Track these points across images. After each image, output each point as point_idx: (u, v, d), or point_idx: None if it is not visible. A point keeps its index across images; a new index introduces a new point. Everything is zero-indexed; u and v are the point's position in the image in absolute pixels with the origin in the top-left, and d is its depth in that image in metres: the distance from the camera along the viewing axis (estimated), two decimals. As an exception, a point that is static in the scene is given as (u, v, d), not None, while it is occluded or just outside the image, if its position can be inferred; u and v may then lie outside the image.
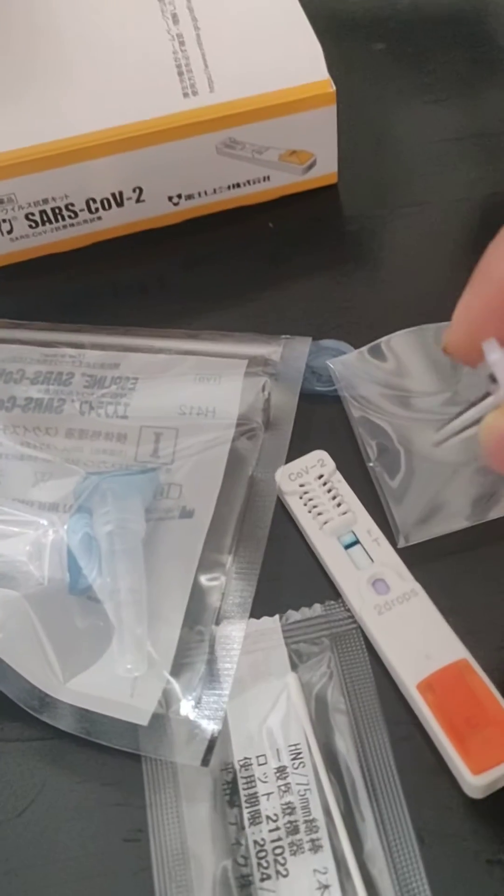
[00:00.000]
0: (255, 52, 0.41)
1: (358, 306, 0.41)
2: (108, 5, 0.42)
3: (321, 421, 0.37)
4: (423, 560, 0.33)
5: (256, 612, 0.33)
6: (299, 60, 0.41)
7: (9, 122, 0.40)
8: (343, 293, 0.42)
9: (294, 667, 0.31)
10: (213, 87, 0.40)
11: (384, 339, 0.38)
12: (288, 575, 0.34)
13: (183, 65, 0.41)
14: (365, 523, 0.34)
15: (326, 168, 0.44)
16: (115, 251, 0.44)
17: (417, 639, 0.31)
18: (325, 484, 0.35)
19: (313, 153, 0.43)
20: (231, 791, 0.29)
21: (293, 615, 0.32)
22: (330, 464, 0.35)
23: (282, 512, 0.35)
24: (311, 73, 0.41)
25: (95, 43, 0.41)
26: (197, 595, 0.33)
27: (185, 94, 0.40)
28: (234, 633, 0.31)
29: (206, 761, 0.29)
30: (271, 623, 0.32)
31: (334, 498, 0.34)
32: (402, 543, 0.33)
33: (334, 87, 0.41)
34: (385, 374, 0.37)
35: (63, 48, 0.41)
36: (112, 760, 0.30)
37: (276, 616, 0.32)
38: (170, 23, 0.41)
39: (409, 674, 0.30)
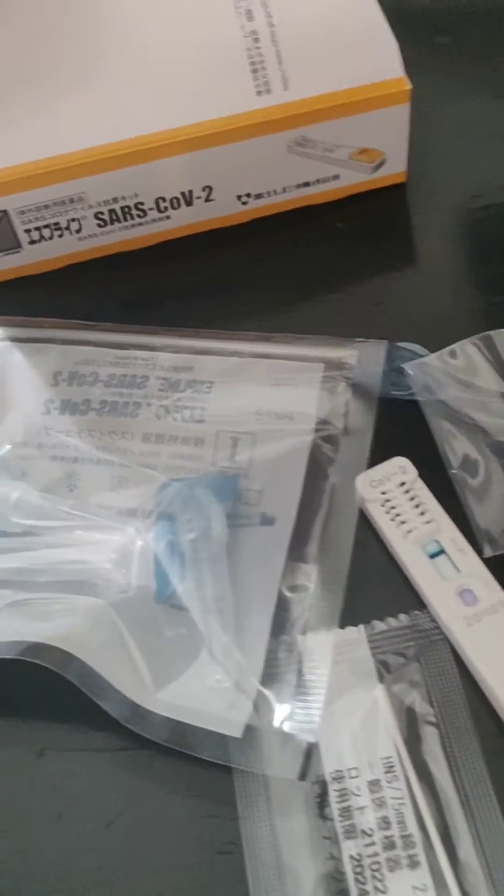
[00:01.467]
0: (330, 49, 0.40)
1: (428, 308, 0.41)
2: (181, 3, 0.41)
3: (397, 426, 0.37)
4: (510, 570, 0.33)
5: (340, 622, 0.32)
6: (375, 58, 0.40)
7: (80, 122, 0.39)
8: (412, 295, 0.41)
9: (381, 678, 0.31)
10: (287, 85, 0.40)
11: (460, 342, 0.38)
12: (370, 584, 0.34)
13: (257, 62, 0.40)
14: (449, 532, 0.33)
15: (396, 167, 0.44)
16: (181, 250, 0.43)
17: (509, 651, 0.30)
18: (407, 492, 0.34)
19: (384, 152, 0.43)
20: (323, 804, 0.29)
21: (378, 625, 0.32)
22: (412, 471, 0.35)
23: (362, 520, 0.35)
24: (387, 70, 0.40)
25: (168, 41, 0.40)
26: (282, 605, 0.32)
27: (259, 92, 0.40)
28: (323, 644, 0.31)
29: (302, 775, 0.29)
30: (356, 633, 0.32)
31: (417, 506, 0.34)
32: (487, 553, 0.33)
33: (410, 86, 0.40)
34: (463, 378, 0.37)
35: (136, 46, 0.40)
36: (200, 771, 0.30)
37: (361, 626, 0.32)
38: (244, 20, 0.40)
39: (502, 686, 0.30)
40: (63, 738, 0.32)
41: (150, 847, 0.30)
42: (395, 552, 0.33)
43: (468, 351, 0.38)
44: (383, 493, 0.34)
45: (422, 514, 0.34)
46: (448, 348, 0.38)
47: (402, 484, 0.34)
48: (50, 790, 0.31)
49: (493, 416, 0.36)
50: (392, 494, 0.34)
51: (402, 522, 0.34)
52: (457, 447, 0.35)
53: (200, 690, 0.30)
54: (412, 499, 0.34)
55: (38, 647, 0.30)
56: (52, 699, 0.32)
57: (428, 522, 0.33)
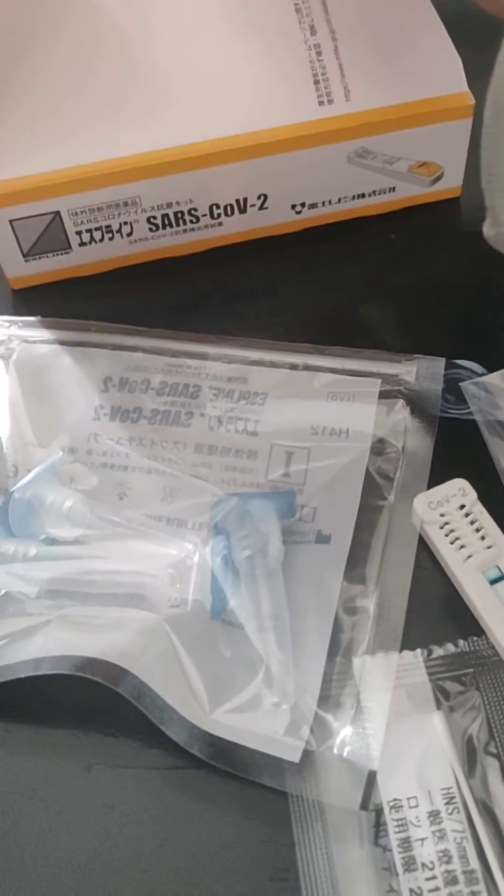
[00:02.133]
0: (392, 61, 0.40)
1: (483, 325, 0.40)
2: (246, 18, 0.40)
3: (456, 447, 0.36)
4: None
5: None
6: (437, 71, 0.40)
7: (138, 127, 0.39)
8: (467, 311, 0.41)
9: (438, 705, 0.30)
10: (349, 97, 0.39)
11: (520, 362, 0.37)
12: (427, 608, 0.33)
13: (319, 74, 0.39)
14: None
15: (452, 181, 0.43)
16: (232, 257, 0.43)
17: None
18: (467, 515, 0.34)
19: (442, 166, 0.42)
20: (378, 833, 0.28)
21: (436, 650, 0.32)
22: (471, 493, 0.34)
23: (420, 542, 0.34)
24: (451, 84, 0.40)
25: (231, 51, 0.40)
26: (339, 626, 0.32)
27: (321, 103, 0.39)
28: (383, 669, 0.31)
29: (364, 804, 0.28)
30: (412, 657, 0.31)
31: (478, 530, 0.33)
32: (550, 581, 0.33)
33: (473, 101, 0.40)
34: (523, 399, 0.36)
35: (200, 55, 0.40)
36: (254, 794, 0.30)
37: (418, 650, 0.32)
38: (307, 34, 0.40)
39: None
40: (113, 754, 0.31)
41: (202, 870, 0.29)
42: (453, 576, 0.33)
43: (527, 371, 0.37)
44: (442, 515, 0.34)
45: (482, 538, 0.33)
46: (509, 367, 0.37)
47: (462, 507, 0.34)
48: (100, 807, 0.30)
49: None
50: (451, 517, 0.34)
51: (462, 546, 0.33)
52: (516, 470, 0.35)
53: (257, 712, 0.30)
54: (472, 522, 0.33)
55: (92, 662, 0.30)
56: (102, 714, 0.31)
57: (489, 547, 0.33)
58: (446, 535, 0.33)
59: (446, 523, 0.34)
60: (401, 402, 0.36)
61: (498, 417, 0.36)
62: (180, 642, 0.31)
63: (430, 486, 0.35)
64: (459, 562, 0.33)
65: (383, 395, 0.37)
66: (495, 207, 0.36)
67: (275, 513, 0.33)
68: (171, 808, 0.30)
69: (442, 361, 0.37)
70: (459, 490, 0.34)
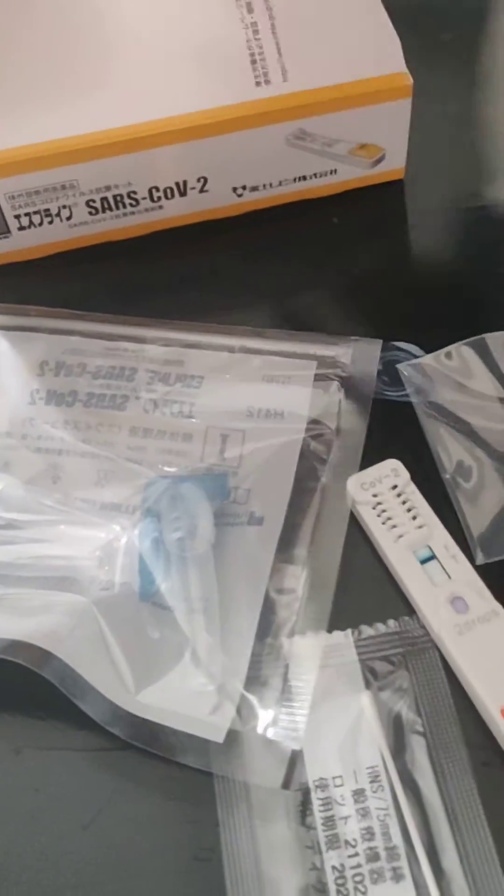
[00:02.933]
0: (330, 41, 0.40)
1: (423, 308, 0.40)
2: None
3: (390, 428, 0.36)
4: (503, 578, 0.32)
5: (327, 626, 0.32)
6: (376, 51, 0.40)
7: (75, 108, 0.38)
8: (408, 293, 0.41)
9: (367, 685, 0.30)
10: (286, 77, 0.39)
11: (456, 344, 0.37)
12: (359, 588, 0.33)
13: (256, 53, 0.39)
14: (441, 538, 0.33)
15: (395, 163, 0.43)
16: (173, 241, 0.43)
17: (500, 661, 0.30)
18: (399, 495, 0.34)
19: (383, 147, 0.42)
20: (304, 812, 0.28)
21: (366, 630, 0.32)
22: (404, 474, 0.34)
23: (352, 522, 0.34)
24: (389, 64, 0.39)
25: (167, 30, 0.40)
26: (269, 607, 0.32)
27: (258, 83, 0.39)
28: (310, 649, 0.31)
29: (286, 784, 0.28)
30: (343, 638, 0.31)
31: (409, 510, 0.33)
32: (480, 560, 0.33)
33: (411, 80, 0.39)
34: (458, 380, 0.36)
35: (135, 35, 0.39)
36: (180, 774, 0.30)
37: (348, 630, 0.32)
38: (244, 11, 0.40)
39: (492, 697, 0.29)
40: (41, 737, 0.31)
41: (127, 851, 0.29)
42: (385, 556, 0.33)
43: (463, 353, 0.37)
44: (375, 495, 0.34)
45: (413, 518, 0.33)
46: (444, 350, 0.37)
47: (394, 487, 0.34)
48: (26, 790, 0.30)
49: (488, 421, 0.35)
50: (384, 497, 0.34)
51: (394, 526, 0.33)
52: (451, 451, 0.35)
53: (183, 693, 0.30)
54: (404, 502, 0.33)
55: (17, 645, 0.29)
56: (31, 697, 0.31)
57: (420, 527, 0.33)
58: (378, 516, 0.33)
59: (378, 503, 0.34)
60: (336, 384, 0.36)
61: (432, 399, 0.36)
62: (108, 624, 0.31)
63: (364, 467, 0.35)
64: (391, 541, 0.33)
65: (319, 378, 0.36)
66: None
67: (207, 495, 0.33)
68: (98, 789, 0.30)
69: (378, 344, 0.37)
70: (392, 471, 0.34)
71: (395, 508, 0.33)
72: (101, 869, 0.29)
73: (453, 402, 0.36)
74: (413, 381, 0.36)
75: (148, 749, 0.29)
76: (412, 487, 0.34)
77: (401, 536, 0.33)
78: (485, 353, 0.37)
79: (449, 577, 0.32)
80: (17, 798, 0.30)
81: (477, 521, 0.33)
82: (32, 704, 0.31)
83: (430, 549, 0.32)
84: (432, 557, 0.32)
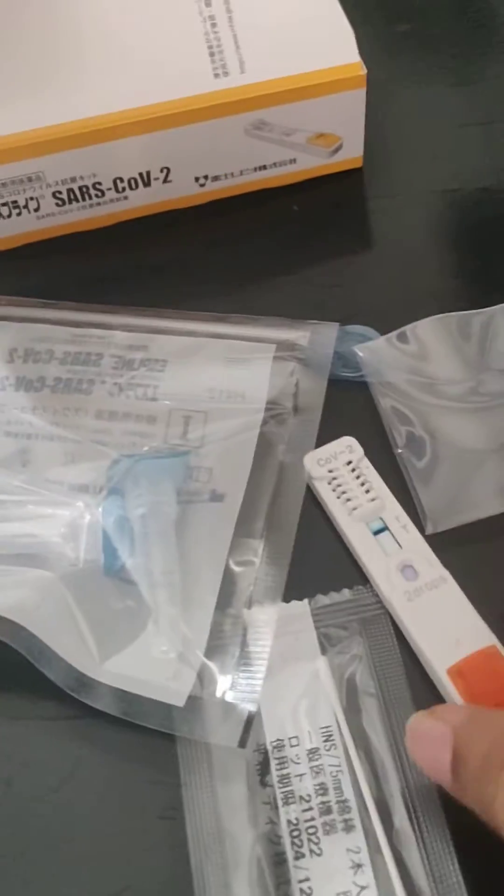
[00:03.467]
0: (286, 33, 0.41)
1: (381, 292, 0.42)
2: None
3: (347, 407, 0.38)
4: (450, 546, 0.34)
5: (285, 597, 0.33)
6: (330, 42, 0.41)
7: (38, 101, 0.40)
8: (366, 278, 0.42)
9: (324, 650, 0.32)
10: (244, 68, 0.40)
11: (410, 326, 0.39)
12: (316, 559, 0.34)
13: (214, 45, 0.40)
14: (393, 510, 0.34)
15: (352, 152, 0.44)
16: (139, 231, 0.44)
17: (447, 625, 0.31)
18: (353, 470, 0.35)
19: (340, 137, 0.43)
20: (264, 771, 0.30)
21: (322, 599, 0.33)
22: (358, 450, 0.35)
23: (309, 497, 0.36)
24: (343, 55, 0.41)
25: (126, 22, 0.41)
26: (229, 579, 0.33)
27: (217, 75, 0.40)
28: (267, 617, 0.32)
29: (242, 742, 0.30)
30: (300, 607, 0.33)
31: (363, 484, 0.35)
32: (430, 530, 0.34)
33: (365, 70, 0.41)
34: (411, 360, 0.38)
35: (93, 27, 0.41)
36: (146, 739, 0.31)
37: (306, 600, 0.33)
38: (202, 5, 0.41)
39: (440, 659, 0.31)
40: (12, 706, 0.32)
41: (95, 812, 0.30)
42: (340, 529, 0.34)
43: (418, 334, 0.38)
44: (330, 471, 0.35)
45: (367, 491, 0.35)
46: (397, 331, 0.39)
47: (349, 462, 0.35)
48: (-2, 757, 0.31)
49: (439, 399, 0.37)
50: (339, 472, 0.35)
51: (348, 500, 0.34)
52: (403, 428, 0.36)
53: (145, 661, 0.31)
54: (358, 477, 0.35)
55: (-15, 618, 0.31)
56: (1, 668, 0.32)
57: (373, 500, 0.34)
58: (333, 490, 0.35)
59: (334, 478, 0.35)
60: (293, 366, 0.38)
61: (387, 378, 0.37)
62: (74, 598, 0.32)
63: (321, 445, 0.36)
64: (345, 514, 0.34)
65: (278, 360, 0.38)
66: None
67: (168, 473, 0.35)
68: (67, 755, 0.31)
69: (335, 327, 0.39)
70: (347, 447, 0.36)
71: (350, 483, 0.35)
72: (71, 829, 0.30)
73: (406, 381, 0.37)
74: (368, 362, 0.38)
75: (113, 714, 0.31)
76: (366, 463, 0.35)
77: (355, 509, 0.34)
78: (438, 335, 0.39)
79: (400, 546, 0.33)
80: (-11, 765, 0.31)
81: (427, 494, 0.35)
82: (2, 676, 0.32)
83: (383, 520, 0.34)
84: (384, 529, 0.34)
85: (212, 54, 0.40)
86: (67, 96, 0.40)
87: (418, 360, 0.38)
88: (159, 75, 0.40)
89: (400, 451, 0.36)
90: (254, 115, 0.41)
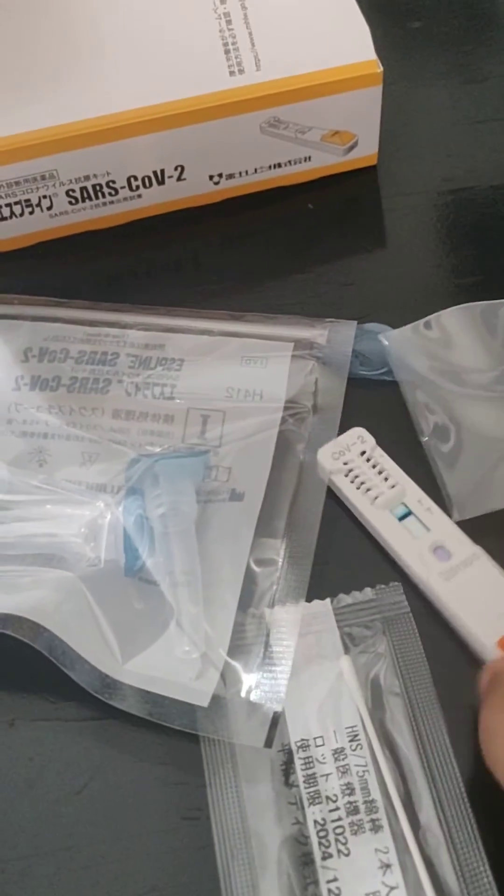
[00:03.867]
0: (301, 31, 0.41)
1: (396, 290, 0.41)
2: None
3: (365, 404, 0.37)
4: (477, 534, 0.33)
5: (309, 595, 0.33)
6: (346, 40, 0.41)
7: (51, 99, 0.39)
8: (381, 276, 0.42)
9: (346, 650, 0.32)
10: (259, 66, 0.40)
11: (435, 314, 0.38)
12: (339, 558, 0.34)
13: (230, 43, 0.40)
14: (414, 494, 0.34)
15: (367, 149, 0.44)
16: (153, 230, 0.44)
17: (488, 599, 0.31)
18: (368, 460, 0.35)
19: (356, 134, 0.43)
20: (288, 771, 0.30)
21: (344, 599, 0.33)
22: (370, 439, 0.35)
23: (329, 495, 0.35)
24: (359, 52, 0.41)
25: (142, 21, 0.41)
26: (251, 578, 0.33)
27: (232, 73, 0.40)
28: (290, 617, 0.32)
29: (268, 742, 0.29)
30: (322, 606, 0.33)
31: (380, 472, 0.35)
32: (457, 517, 0.34)
33: (381, 68, 0.41)
34: (436, 348, 0.38)
35: (108, 26, 0.40)
36: (169, 740, 0.31)
37: (327, 599, 0.33)
38: (217, 2, 0.41)
39: (487, 633, 0.31)
40: (33, 708, 0.32)
41: (118, 813, 0.30)
42: (365, 519, 0.34)
43: (442, 322, 0.38)
44: (346, 463, 0.35)
45: (385, 479, 0.34)
46: (423, 319, 0.38)
47: (363, 453, 0.35)
48: (21, 759, 0.31)
49: (464, 388, 0.36)
50: (354, 464, 0.35)
51: (368, 490, 0.34)
52: (428, 416, 0.36)
53: (168, 661, 0.31)
54: (374, 466, 0.35)
55: (8, 619, 0.30)
56: (23, 670, 0.32)
57: (393, 487, 0.34)
58: (352, 482, 0.34)
59: (350, 470, 0.35)
60: (312, 364, 0.37)
61: (412, 366, 0.37)
62: (94, 599, 0.32)
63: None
64: (367, 504, 0.34)
65: (296, 359, 0.38)
66: None
67: (188, 472, 0.34)
68: (89, 756, 0.31)
69: (353, 325, 0.39)
70: (358, 438, 0.35)
71: (367, 472, 0.35)
72: (93, 831, 0.30)
73: (430, 368, 0.37)
74: (393, 351, 0.38)
75: (136, 714, 0.30)
76: (379, 451, 0.35)
77: (377, 498, 0.34)
78: (462, 324, 0.38)
79: (427, 529, 0.33)
80: (12, 767, 0.31)
81: (454, 481, 0.34)
82: (24, 678, 0.32)
83: (406, 505, 0.34)
84: (409, 514, 0.34)
85: (227, 52, 0.40)
86: (81, 94, 0.39)
87: (443, 348, 0.38)
88: (174, 73, 0.40)
89: (426, 439, 0.35)
90: (269, 112, 0.41)
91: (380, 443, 0.35)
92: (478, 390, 0.36)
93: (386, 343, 0.38)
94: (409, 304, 0.40)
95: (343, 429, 0.36)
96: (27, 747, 0.31)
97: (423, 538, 0.33)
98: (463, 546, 0.32)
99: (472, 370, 0.36)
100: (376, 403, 0.38)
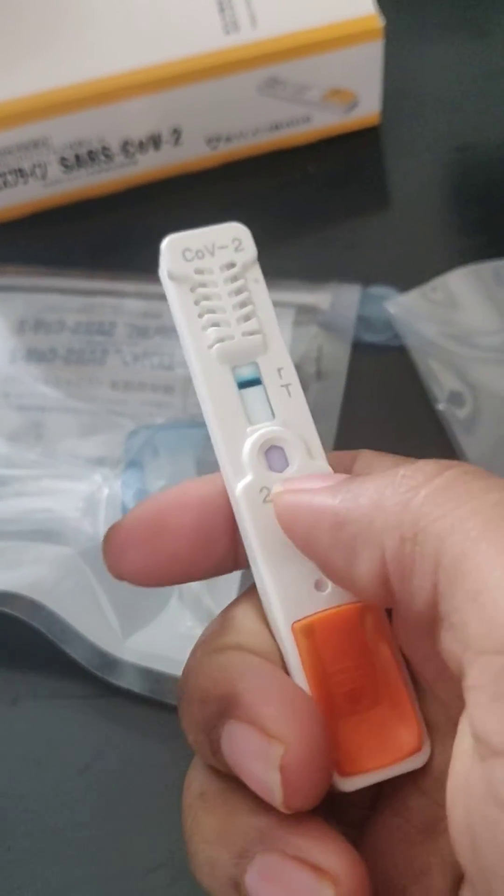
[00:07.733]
0: (298, -15, 0.39)
1: (401, 252, 0.40)
2: None
3: (371, 371, 0.37)
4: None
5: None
6: (345, -7, 0.39)
7: (40, 62, 0.38)
8: (386, 239, 0.41)
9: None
10: (255, 23, 0.39)
11: (441, 277, 0.37)
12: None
13: (224, 0, 0.39)
14: (278, 357, 0.21)
15: (369, 108, 0.43)
16: (150, 196, 0.42)
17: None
18: (234, 280, 0.21)
19: (356, 92, 0.42)
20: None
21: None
22: (250, 250, 0.21)
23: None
24: (358, 6, 0.39)
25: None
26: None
27: (227, 31, 0.39)
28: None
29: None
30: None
31: (243, 306, 0.21)
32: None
33: (383, 22, 0.39)
34: (446, 312, 0.37)
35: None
36: (172, 717, 0.30)
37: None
38: (210, -46, 0.39)
39: (288, 605, 0.20)
40: (36, 686, 0.31)
41: (124, 791, 0.30)
42: (191, 364, 0.21)
43: (450, 285, 0.37)
44: (199, 272, 0.21)
45: (246, 319, 0.21)
46: (429, 283, 0.37)
47: (231, 266, 0.21)
48: (25, 737, 0.31)
49: (477, 350, 0.35)
50: (210, 278, 0.21)
51: (214, 325, 0.21)
52: (442, 382, 0.35)
53: (170, 637, 0.30)
54: (239, 293, 0.21)
55: (5, 596, 0.30)
56: (24, 647, 0.31)
57: (252, 334, 0.21)
58: (196, 304, 0.21)
59: (201, 285, 0.21)
60: (315, 329, 0.36)
61: (421, 332, 0.36)
62: (94, 574, 0.31)
63: (348, 413, 0.35)
64: (203, 345, 0.21)
65: (298, 324, 0.37)
66: None
67: (189, 443, 0.34)
68: (94, 734, 0.31)
69: (357, 288, 0.38)
70: (233, 240, 0.21)
71: (223, 299, 0.21)
72: (99, 809, 0.29)
73: (441, 333, 0.36)
74: (400, 317, 0.37)
75: (138, 692, 0.30)
76: (257, 275, 0.21)
77: (221, 341, 0.21)
78: (470, 285, 0.37)
79: (273, 414, 0.21)
80: (16, 745, 0.31)
81: (472, 447, 0.33)
82: (26, 656, 0.32)
83: (258, 367, 0.21)
84: (256, 381, 0.21)
85: (221, 9, 0.39)
86: (71, 56, 0.38)
87: (453, 311, 0.36)
88: (167, 32, 0.39)
89: (441, 406, 0.34)
90: (266, 71, 0.40)
91: (388, 411, 0.34)
92: (490, 352, 0.35)
93: (392, 311, 0.36)
94: (414, 267, 0.39)
95: (348, 397, 0.35)
96: (30, 725, 0.31)
97: (260, 425, 0.21)
98: (311, 459, 0.20)
99: (483, 332, 0.35)
100: (382, 370, 0.37)
